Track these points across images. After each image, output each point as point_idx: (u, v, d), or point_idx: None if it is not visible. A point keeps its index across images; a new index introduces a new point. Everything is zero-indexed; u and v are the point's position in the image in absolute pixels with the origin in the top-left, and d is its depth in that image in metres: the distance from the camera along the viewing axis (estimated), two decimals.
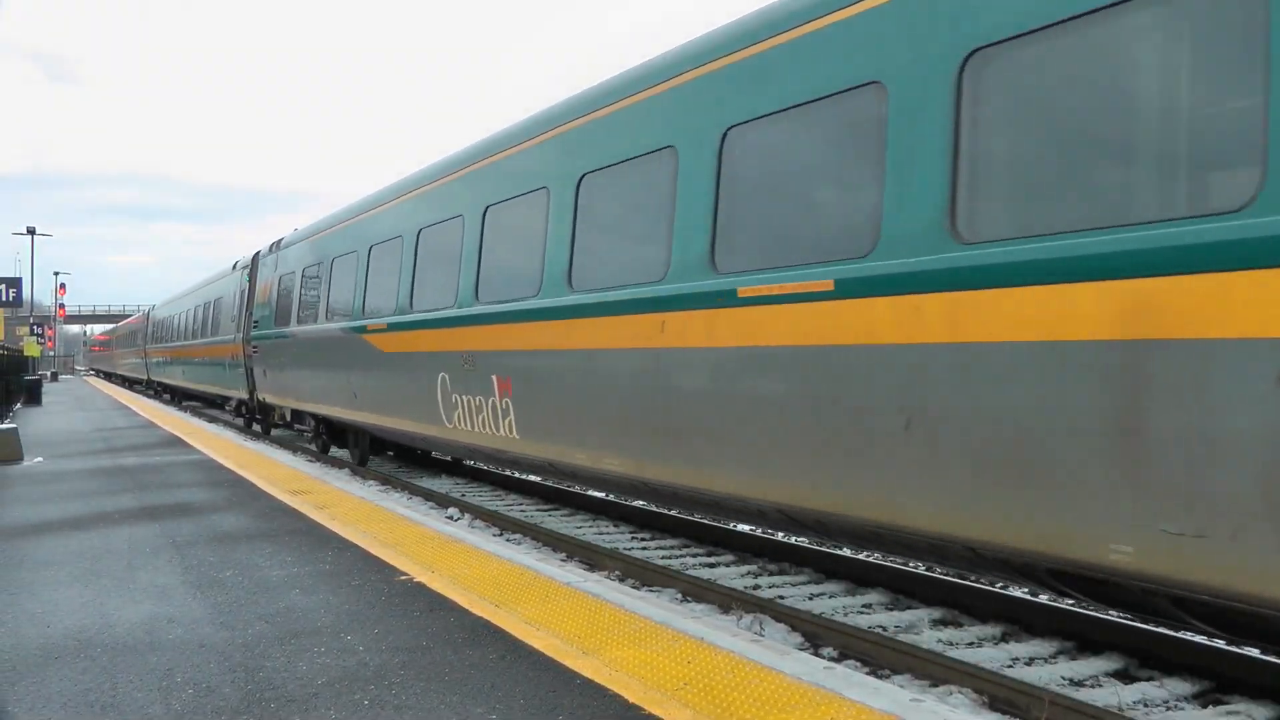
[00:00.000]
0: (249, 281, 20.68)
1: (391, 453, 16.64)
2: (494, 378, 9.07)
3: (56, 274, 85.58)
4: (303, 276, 16.11)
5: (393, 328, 11.55)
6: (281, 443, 19.25)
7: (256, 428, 22.52)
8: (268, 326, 18.18)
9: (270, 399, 18.90)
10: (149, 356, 41.07)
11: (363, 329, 12.54)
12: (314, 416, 16.53)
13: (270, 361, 18.13)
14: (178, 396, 36.02)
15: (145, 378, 43.63)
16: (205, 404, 33.11)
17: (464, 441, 10.23)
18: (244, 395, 21.15)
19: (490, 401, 9.17)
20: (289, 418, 18.53)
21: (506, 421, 8.95)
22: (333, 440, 16.30)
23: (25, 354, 40.75)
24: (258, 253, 20.44)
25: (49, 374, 57.93)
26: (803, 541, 9.02)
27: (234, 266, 23.13)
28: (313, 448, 17.52)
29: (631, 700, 3.85)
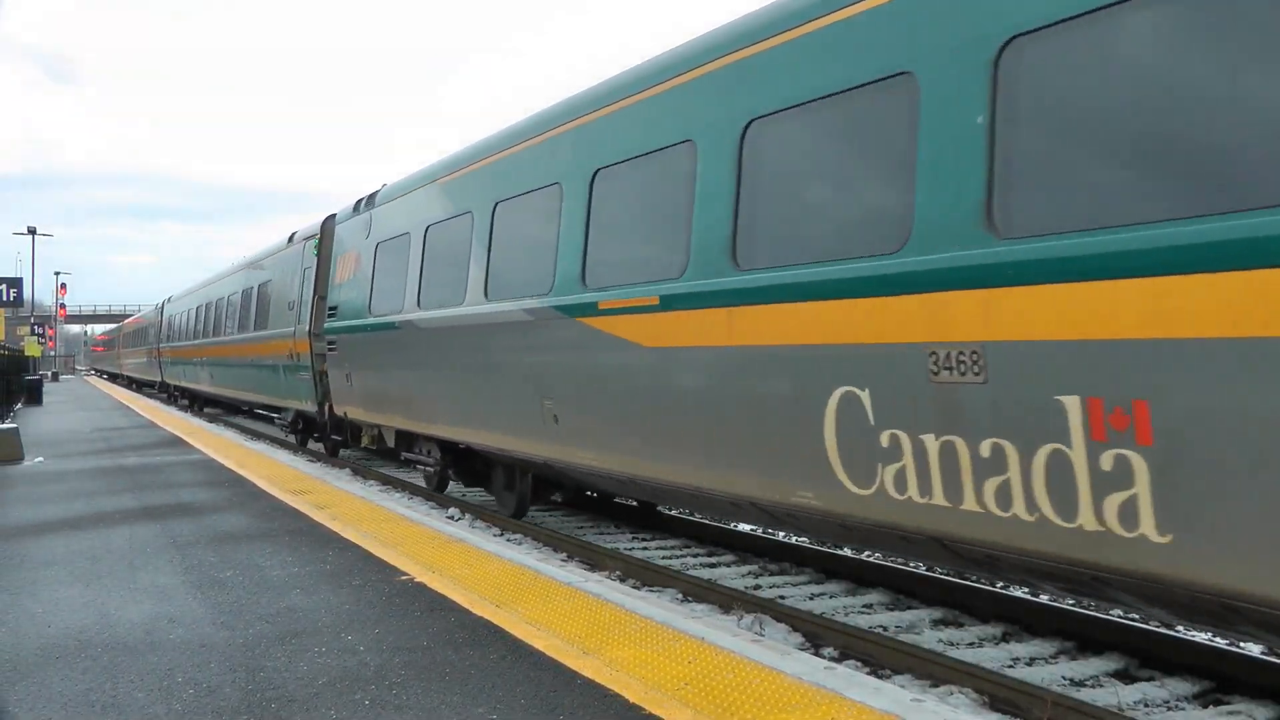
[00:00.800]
0: (316, 256, 15.69)
1: (559, 497, 11.33)
2: (1074, 402, 4.28)
3: (57, 274, 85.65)
4: (425, 239, 10.88)
5: (676, 304, 6.60)
6: (283, 444, 19.19)
7: (314, 445, 17.58)
8: (355, 314, 12.95)
9: (357, 414, 13.42)
10: (163, 356, 35.62)
11: (586, 309, 7.56)
12: (440, 443, 11.22)
13: (359, 362, 12.88)
14: (197, 402, 31.00)
15: (158, 380, 38.31)
16: (227, 410, 29.06)
17: (908, 524, 5.19)
18: (307, 407, 16.09)
19: (1043, 457, 4.41)
20: (390, 442, 12.81)
21: (1117, 504, 4.18)
22: (461, 476, 11.41)
23: (26, 354, 40.78)
24: (331, 217, 15.37)
25: (50, 374, 57.97)
26: (803, 541, 9.02)
27: (290, 239, 17.94)
28: (419, 484, 12.71)
29: (632, 700, 3.85)
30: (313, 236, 16.12)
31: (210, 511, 8.99)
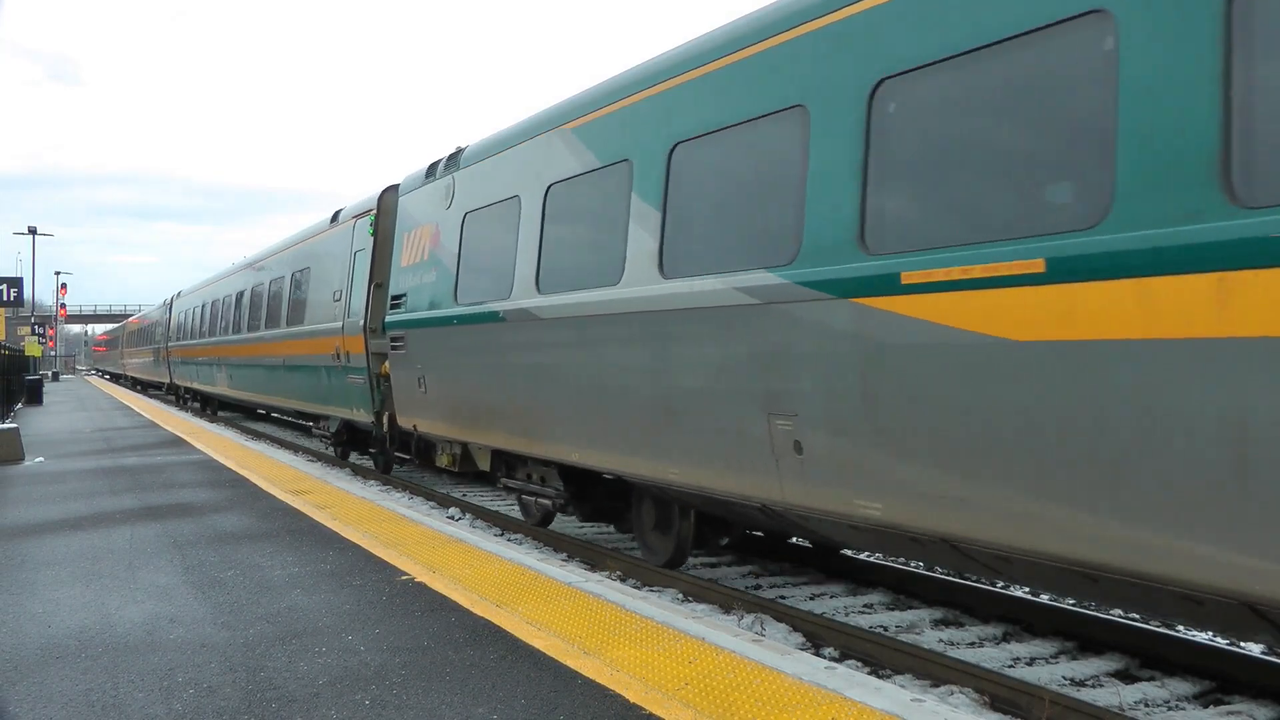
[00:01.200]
0: (372, 236, 13.29)
1: (728, 540, 8.79)
2: None
3: (58, 274, 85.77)
4: (547, 201, 8.34)
5: (1087, 270, 4.26)
6: (284, 444, 19.15)
7: (361, 459, 15.52)
8: (431, 304, 10.49)
9: (433, 428, 10.83)
10: (172, 356, 32.66)
11: (874, 284, 5.18)
12: (562, 469, 8.67)
13: (439, 363, 10.37)
14: (210, 405, 28.87)
15: (166, 382, 35.46)
16: (244, 414, 27.84)
17: None
18: (359, 416, 13.78)
19: None
20: (484, 465, 10.43)
21: None
22: (580, 509, 8.80)
23: (26, 354, 40.81)
24: (391, 188, 12.97)
25: (50, 374, 58.02)
26: (803, 542, 9.02)
27: (334, 218, 15.35)
28: (514, 514, 10.71)
29: (632, 700, 3.85)
30: (367, 213, 13.56)
31: (211, 511, 8.99)
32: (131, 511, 9.09)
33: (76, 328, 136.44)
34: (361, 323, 13.19)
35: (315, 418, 16.87)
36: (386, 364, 12.09)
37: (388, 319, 11.64)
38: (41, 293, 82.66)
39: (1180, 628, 6.21)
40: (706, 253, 6.46)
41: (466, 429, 10.04)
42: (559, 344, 8.02)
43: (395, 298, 11.56)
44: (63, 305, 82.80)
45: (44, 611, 5.49)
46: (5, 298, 26.93)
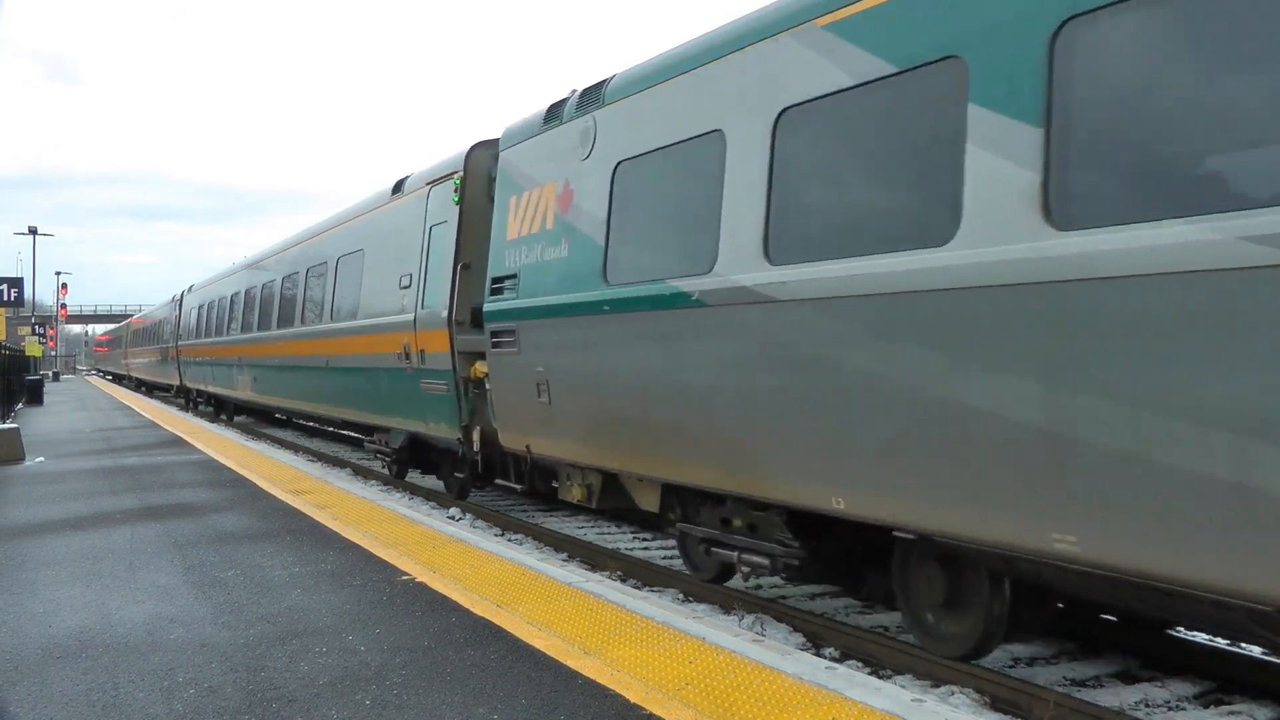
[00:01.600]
0: (458, 205, 10.47)
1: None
2: None
3: (58, 274, 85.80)
4: (778, 134, 5.90)
5: None
6: (284, 444, 19.11)
7: (425, 480, 12.94)
8: (559, 286, 8.01)
9: (556, 450, 8.38)
10: (182, 356, 29.45)
11: None
12: (794, 514, 6.07)
13: (570, 365, 7.93)
14: (225, 410, 26.27)
15: (176, 384, 32.46)
16: (259, 419, 25.58)
17: None
18: (437, 431, 11.03)
19: None
20: (648, 503, 7.72)
21: None
22: (813, 571, 6.30)
23: (27, 354, 40.84)
24: (482, 144, 10.42)
25: (51, 374, 58.06)
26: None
27: (397, 188, 12.49)
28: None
29: (633, 700, 3.85)
30: (449, 176, 10.74)
31: (211, 511, 8.99)
32: (132, 511, 9.10)
33: (77, 328, 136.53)
34: (445, 314, 10.42)
35: (369, 429, 13.79)
36: (478, 365, 9.84)
37: (489, 308, 9.10)
38: (42, 293, 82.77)
39: (1180, 629, 6.20)
40: (1159, 186, 4.07)
41: (620, 454, 7.50)
42: (820, 337, 5.51)
43: (497, 280, 9.05)
44: (63, 305, 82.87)
45: (44, 611, 5.49)
46: (6, 298, 26.96)
